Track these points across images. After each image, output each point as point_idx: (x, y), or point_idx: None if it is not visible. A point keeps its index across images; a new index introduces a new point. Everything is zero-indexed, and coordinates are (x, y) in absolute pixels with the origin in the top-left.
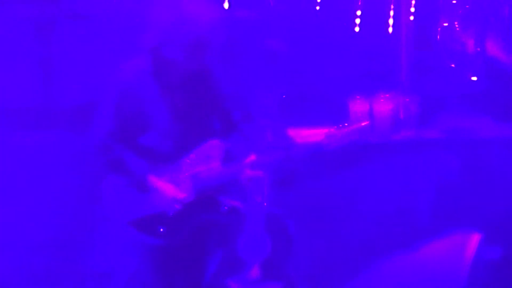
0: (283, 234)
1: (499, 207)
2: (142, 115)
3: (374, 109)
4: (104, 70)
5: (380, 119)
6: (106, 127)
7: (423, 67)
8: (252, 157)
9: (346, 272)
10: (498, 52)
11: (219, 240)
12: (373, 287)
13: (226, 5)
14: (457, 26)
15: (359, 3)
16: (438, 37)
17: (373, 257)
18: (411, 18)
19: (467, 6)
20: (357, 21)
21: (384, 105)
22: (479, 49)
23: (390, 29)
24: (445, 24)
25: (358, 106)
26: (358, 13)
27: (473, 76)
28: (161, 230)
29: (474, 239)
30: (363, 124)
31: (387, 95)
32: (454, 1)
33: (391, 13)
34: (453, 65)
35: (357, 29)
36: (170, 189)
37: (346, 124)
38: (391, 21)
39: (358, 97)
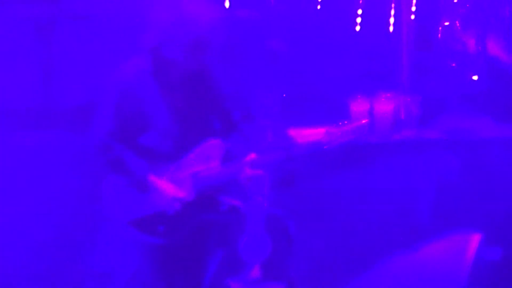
0: (283, 234)
1: (500, 208)
2: (142, 115)
3: (374, 109)
4: (104, 70)
5: (381, 119)
6: (106, 127)
7: (424, 67)
8: (252, 157)
9: (347, 273)
10: (499, 52)
11: (219, 240)
12: None
13: (227, 5)
14: (458, 25)
15: (360, 3)
16: (439, 36)
17: (373, 257)
18: (412, 17)
19: (467, 6)
20: (358, 20)
21: (384, 105)
22: (480, 48)
23: (391, 29)
24: (446, 24)
25: (358, 106)
26: (359, 12)
27: (474, 76)
28: (161, 229)
29: (475, 240)
30: (362, 122)
31: (388, 95)
32: (455, 1)
33: (392, 12)
34: (454, 65)
35: (358, 28)
36: (170, 188)
37: (345, 122)
38: (392, 21)
39: (358, 96)
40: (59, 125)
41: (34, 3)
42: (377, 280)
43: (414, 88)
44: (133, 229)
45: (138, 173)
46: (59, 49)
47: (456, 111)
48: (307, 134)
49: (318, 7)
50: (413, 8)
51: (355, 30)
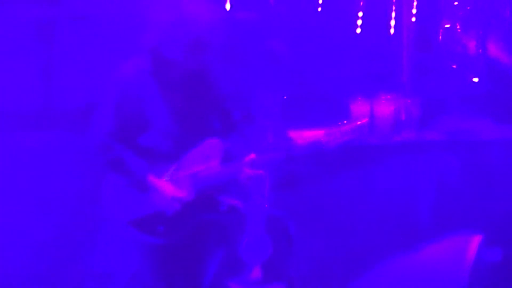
0: (283, 235)
1: (500, 209)
2: (142, 115)
3: (375, 110)
4: (104, 71)
5: (381, 120)
6: (106, 127)
7: (424, 68)
8: (252, 156)
9: (347, 273)
10: (500, 53)
11: (218, 240)
12: None
13: (227, 6)
14: (458, 27)
15: (361, 4)
16: (440, 38)
17: (374, 258)
18: (413, 19)
19: (468, 8)
20: (359, 22)
21: (385, 107)
22: (480, 50)
23: (392, 31)
24: (447, 26)
25: (359, 107)
26: (360, 14)
27: (475, 77)
28: (161, 229)
29: (475, 241)
30: (362, 122)
31: (388, 97)
32: (456, 3)
33: (393, 14)
34: (454, 67)
35: (358, 30)
36: (169, 188)
37: (345, 122)
38: (392, 23)
39: (359, 98)
40: (60, 126)
41: (35, 4)
42: (377, 281)
43: (414, 89)
44: (132, 229)
45: (138, 173)
46: (60, 49)
47: (456, 112)
48: (307, 135)
49: (319, 9)
50: (414, 10)
51: (355, 32)
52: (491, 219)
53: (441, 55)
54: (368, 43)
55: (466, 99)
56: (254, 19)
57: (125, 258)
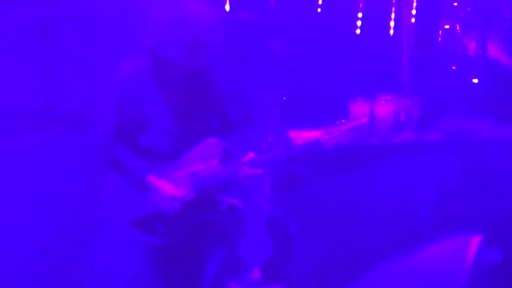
0: (284, 235)
1: (500, 210)
2: (141, 115)
3: (375, 111)
4: (104, 71)
5: (381, 121)
6: (105, 126)
7: (424, 69)
8: (251, 156)
9: (348, 274)
10: (499, 54)
11: (218, 239)
12: None
13: (227, 7)
14: (458, 28)
15: (361, 5)
16: (439, 39)
17: (374, 259)
18: (413, 20)
19: (468, 8)
20: (359, 23)
21: (385, 107)
22: (480, 51)
23: (392, 31)
24: (447, 26)
25: (359, 108)
26: (360, 15)
27: (475, 78)
28: (160, 229)
29: (475, 241)
30: (361, 121)
31: (388, 97)
32: (456, 4)
33: (393, 15)
34: (454, 68)
35: (358, 31)
36: (169, 188)
37: (343, 122)
38: (392, 23)
39: (359, 99)
40: (60, 126)
41: (35, 4)
42: (377, 282)
43: (414, 90)
44: (132, 229)
45: (138, 173)
46: (60, 50)
47: (456, 113)
48: (306, 136)
49: (319, 10)
50: (414, 11)
51: (355, 33)
52: (491, 219)
53: (441, 56)
54: (368, 44)
55: (466, 99)
56: (254, 19)
57: (125, 258)
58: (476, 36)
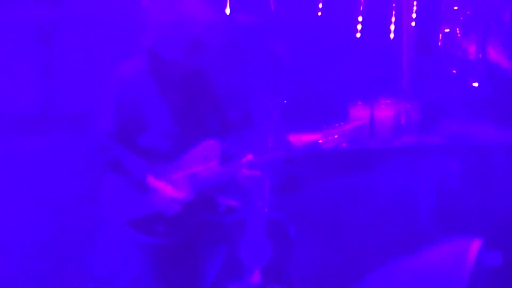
0: (284, 238)
1: (500, 213)
2: (141, 115)
3: (375, 114)
4: (104, 72)
5: (381, 125)
6: (105, 127)
7: (424, 73)
8: (250, 157)
9: (348, 277)
10: (500, 58)
11: (217, 240)
12: None
13: (228, 10)
14: (458, 32)
15: (361, 9)
16: (440, 43)
17: (374, 262)
18: (413, 24)
19: (468, 12)
20: (359, 26)
21: (385, 111)
22: (480, 55)
23: (392, 35)
24: (447, 30)
25: (359, 111)
26: (360, 18)
27: (475, 82)
28: (160, 230)
29: (475, 245)
30: (360, 123)
31: (388, 101)
32: (456, 7)
33: (393, 18)
34: (454, 71)
35: (358, 34)
36: (168, 189)
37: (342, 123)
38: (392, 27)
39: (359, 102)
40: (60, 127)
41: (35, 5)
42: (378, 284)
43: (414, 94)
44: (131, 229)
45: (137, 173)
46: (60, 51)
47: (456, 116)
48: (306, 138)
49: (319, 13)
50: (414, 15)
51: (355, 36)
52: (491, 223)
53: (441, 60)
54: (368, 48)
55: (466, 103)
56: (254, 22)
57: (125, 259)
58: (476, 39)
